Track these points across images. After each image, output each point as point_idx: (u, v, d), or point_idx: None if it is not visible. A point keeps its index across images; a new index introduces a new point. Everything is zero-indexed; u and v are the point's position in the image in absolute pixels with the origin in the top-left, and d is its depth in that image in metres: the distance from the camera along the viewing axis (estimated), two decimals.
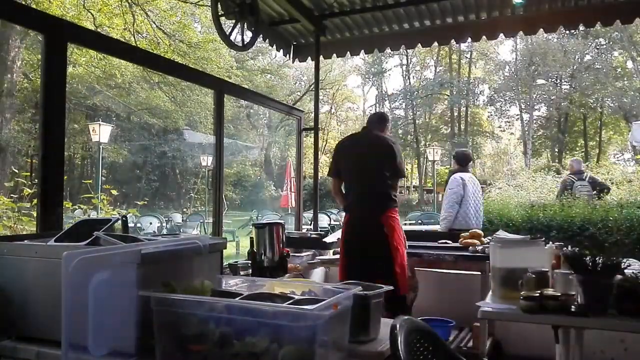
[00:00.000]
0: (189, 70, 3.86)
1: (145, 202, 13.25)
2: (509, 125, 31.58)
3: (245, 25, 3.82)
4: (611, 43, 25.89)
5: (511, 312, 2.06)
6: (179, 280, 1.45)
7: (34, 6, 10.80)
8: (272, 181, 29.39)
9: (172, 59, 8.42)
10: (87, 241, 1.60)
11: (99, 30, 12.39)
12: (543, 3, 4.08)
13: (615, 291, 1.94)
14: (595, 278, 1.96)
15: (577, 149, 30.49)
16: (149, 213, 13.67)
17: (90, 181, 14.33)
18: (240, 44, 3.82)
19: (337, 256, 3.49)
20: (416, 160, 33.00)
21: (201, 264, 1.67)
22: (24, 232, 4.61)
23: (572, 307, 1.95)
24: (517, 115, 30.59)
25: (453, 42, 4.73)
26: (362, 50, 4.91)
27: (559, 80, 28.44)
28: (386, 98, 34.37)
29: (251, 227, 3.06)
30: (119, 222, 1.87)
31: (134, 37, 13.78)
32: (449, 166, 33.55)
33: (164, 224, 12.66)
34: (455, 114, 31.00)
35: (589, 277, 1.97)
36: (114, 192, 8.03)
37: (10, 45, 11.51)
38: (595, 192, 6.72)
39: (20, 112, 16.15)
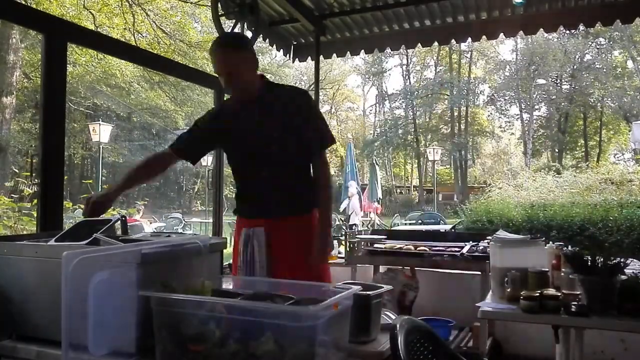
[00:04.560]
0: (189, 70, 3.87)
1: (146, 203, 13.23)
2: (509, 125, 31.62)
3: (245, 25, 3.82)
4: (611, 43, 25.92)
5: (511, 312, 2.06)
6: (179, 280, 1.45)
7: (34, 6, 10.79)
8: None
9: (172, 59, 8.40)
10: (87, 241, 1.60)
11: (99, 30, 12.38)
12: (543, 3, 4.08)
13: (615, 291, 1.94)
14: (596, 278, 1.96)
15: (577, 148, 30.53)
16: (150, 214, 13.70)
17: (91, 181, 14.35)
18: None
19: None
20: (416, 160, 33.04)
21: (201, 264, 1.67)
22: (24, 232, 4.61)
23: (572, 307, 1.95)
24: (517, 115, 30.63)
25: (453, 42, 4.73)
26: (362, 50, 4.91)
27: (559, 80, 28.47)
28: (386, 98, 34.41)
29: None
30: (119, 222, 1.87)
31: (134, 37, 13.77)
32: (448, 166, 33.61)
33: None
34: (455, 114, 31.01)
35: (589, 277, 1.97)
36: None
37: (10, 45, 11.50)
38: None
39: (20, 112, 16.14)
